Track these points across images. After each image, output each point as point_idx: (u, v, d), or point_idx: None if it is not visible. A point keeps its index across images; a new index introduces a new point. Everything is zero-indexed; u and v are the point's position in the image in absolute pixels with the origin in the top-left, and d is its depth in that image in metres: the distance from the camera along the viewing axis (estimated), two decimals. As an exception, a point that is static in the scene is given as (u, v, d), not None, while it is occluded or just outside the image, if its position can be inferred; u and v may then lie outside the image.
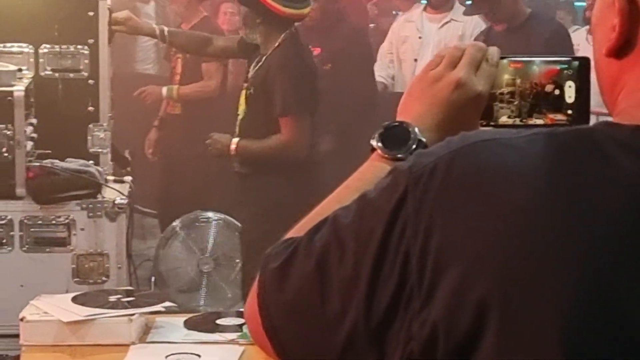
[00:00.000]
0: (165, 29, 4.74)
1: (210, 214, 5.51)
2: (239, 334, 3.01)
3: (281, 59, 4.32)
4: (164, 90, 6.19)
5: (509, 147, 1.03)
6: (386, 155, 1.25)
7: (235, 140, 4.41)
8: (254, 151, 4.39)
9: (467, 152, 1.03)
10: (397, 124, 1.27)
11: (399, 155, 1.24)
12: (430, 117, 1.27)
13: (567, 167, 1.00)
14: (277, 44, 4.34)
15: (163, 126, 6.42)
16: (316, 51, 5.40)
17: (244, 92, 4.46)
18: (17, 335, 3.01)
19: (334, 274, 1.06)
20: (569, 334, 0.94)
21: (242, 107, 4.45)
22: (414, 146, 1.24)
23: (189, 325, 3.10)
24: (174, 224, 5.56)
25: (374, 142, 1.27)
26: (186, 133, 6.05)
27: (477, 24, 6.07)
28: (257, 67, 4.39)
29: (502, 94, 1.28)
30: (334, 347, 1.06)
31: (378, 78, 6.06)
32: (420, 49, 6.16)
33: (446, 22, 6.14)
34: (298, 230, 1.17)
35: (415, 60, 6.17)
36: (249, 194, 4.49)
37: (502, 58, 1.29)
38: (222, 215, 5.41)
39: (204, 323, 3.13)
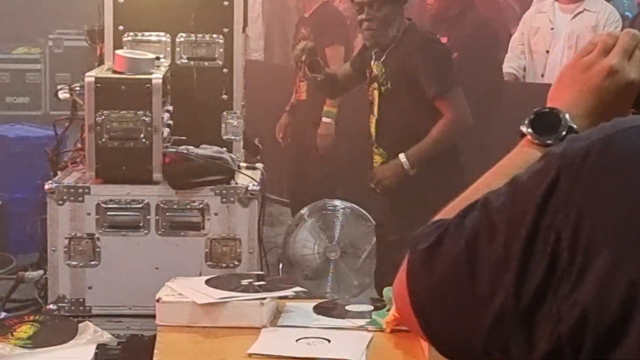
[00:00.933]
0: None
1: (337, 202, 5.54)
2: (368, 320, 3.03)
3: (417, 44, 4.22)
4: (325, 119, 6.07)
5: None
6: (536, 142, 1.25)
7: (403, 156, 4.21)
8: (427, 150, 4.21)
9: (621, 137, 1.03)
10: (547, 110, 1.27)
11: (549, 142, 1.23)
12: (581, 104, 1.26)
13: None
14: (398, 32, 4.25)
15: (294, 112, 6.48)
16: (443, 40, 5.39)
17: (375, 91, 4.33)
18: (152, 316, 3.09)
19: (483, 256, 1.07)
20: None
21: (376, 108, 4.32)
22: (564, 133, 1.24)
23: (319, 310, 3.14)
24: (302, 211, 5.61)
25: (523, 128, 1.27)
26: (316, 119, 6.10)
27: (611, 13, 5.95)
28: (382, 60, 4.27)
29: None
30: (481, 328, 1.07)
31: (509, 69, 6.01)
32: (552, 40, 6.07)
33: (579, 13, 6.03)
34: (447, 212, 1.18)
35: (547, 51, 6.09)
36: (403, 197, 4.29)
37: None
38: (350, 204, 5.44)
39: (334, 309, 3.17)
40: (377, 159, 4.36)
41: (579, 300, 1.00)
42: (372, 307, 3.11)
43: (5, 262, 6.08)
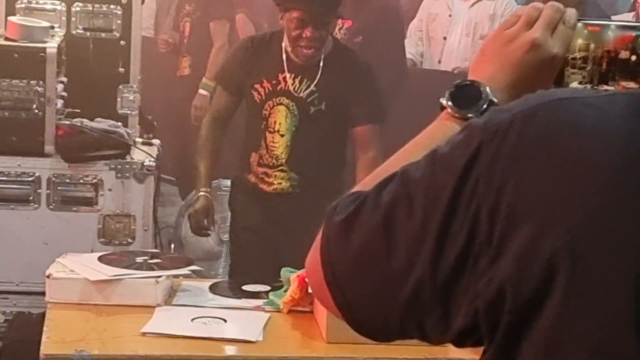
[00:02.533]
0: None
1: (227, 182, 5.47)
2: (265, 300, 3.00)
3: (349, 65, 3.90)
4: (202, 91, 6.06)
5: (588, 105, 1.01)
6: (456, 115, 1.22)
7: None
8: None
9: (545, 109, 1.01)
10: (468, 82, 1.24)
11: (469, 115, 1.21)
12: (502, 78, 1.23)
13: None
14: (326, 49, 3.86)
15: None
16: (347, 23, 5.36)
17: (281, 107, 3.86)
18: (41, 293, 3.02)
19: (401, 229, 1.04)
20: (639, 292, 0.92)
21: (282, 126, 3.85)
22: (484, 106, 1.21)
23: (215, 290, 3.09)
24: (194, 192, 5.53)
25: (443, 101, 1.24)
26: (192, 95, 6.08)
27: (508, 3, 6.01)
28: (315, 81, 3.83)
29: (574, 59, 1.25)
30: (399, 302, 1.04)
31: (407, 55, 6.02)
32: (450, 26, 6.11)
33: (477, 1, 6.09)
34: (365, 184, 1.14)
35: (445, 38, 6.12)
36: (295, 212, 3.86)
37: (580, 20, 1.26)
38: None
39: (230, 289, 3.13)
40: (283, 184, 3.87)
41: (496, 275, 0.98)
42: (269, 288, 3.08)
43: None
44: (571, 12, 1.25)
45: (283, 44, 3.86)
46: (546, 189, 0.97)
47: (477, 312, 0.99)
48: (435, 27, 6.20)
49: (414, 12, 6.38)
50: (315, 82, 3.83)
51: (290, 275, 2.92)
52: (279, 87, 3.86)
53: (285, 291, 2.95)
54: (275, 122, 3.86)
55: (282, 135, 3.86)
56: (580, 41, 1.25)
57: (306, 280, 2.70)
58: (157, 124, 5.42)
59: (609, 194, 0.96)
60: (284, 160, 3.86)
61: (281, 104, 3.86)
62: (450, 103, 1.24)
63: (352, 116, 3.86)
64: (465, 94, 1.23)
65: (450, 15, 6.14)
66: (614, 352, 0.93)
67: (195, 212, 3.98)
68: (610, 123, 0.99)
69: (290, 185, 3.87)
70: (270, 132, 3.86)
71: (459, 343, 1.05)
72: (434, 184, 1.03)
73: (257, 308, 2.97)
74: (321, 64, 3.85)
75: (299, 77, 3.84)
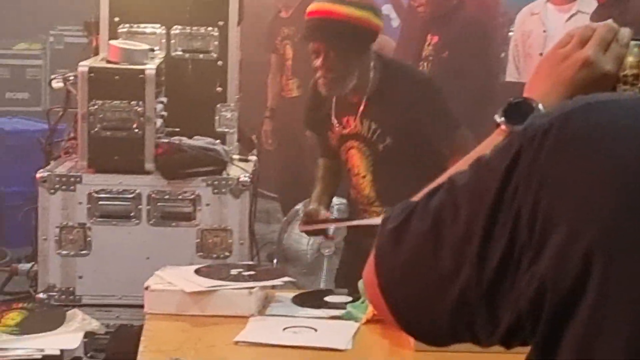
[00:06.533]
0: None
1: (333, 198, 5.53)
2: (344, 311, 3.03)
3: (407, 86, 3.65)
4: None
5: (621, 107, 1.05)
6: (509, 130, 1.27)
7: None
8: None
9: (579, 112, 1.05)
10: (521, 100, 1.28)
11: None
12: (555, 95, 1.27)
13: None
14: (369, 76, 3.64)
15: (273, 115, 6.54)
16: (434, 39, 5.40)
17: (355, 151, 3.73)
18: (142, 306, 3.09)
19: (447, 233, 1.08)
20: None
21: (363, 169, 3.73)
22: None
23: (297, 301, 3.14)
24: (297, 207, 5.61)
25: (497, 117, 1.28)
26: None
27: (608, 16, 5.93)
28: (367, 113, 3.65)
29: (625, 75, 1.28)
30: (448, 304, 1.08)
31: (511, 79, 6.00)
32: (546, 42, 6.05)
33: (573, 15, 6.01)
34: (418, 198, 1.19)
35: (541, 54, 6.06)
36: None
37: (633, 39, 1.28)
38: (343, 200, 5.43)
39: (313, 299, 3.17)
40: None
41: (536, 274, 1.01)
42: (350, 299, 3.12)
43: (0, 255, 6.10)
44: (624, 31, 1.28)
45: None
46: (580, 189, 1.00)
47: (520, 312, 1.02)
48: (531, 44, 6.15)
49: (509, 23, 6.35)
50: (369, 116, 3.64)
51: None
52: (345, 131, 3.73)
53: (362, 302, 2.99)
54: (354, 166, 3.75)
55: (364, 177, 3.74)
56: (631, 59, 1.27)
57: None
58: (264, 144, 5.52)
59: (638, 191, 0.98)
60: (374, 199, 3.76)
61: (352, 147, 3.73)
62: (503, 119, 1.28)
63: (428, 137, 3.66)
64: (519, 111, 1.27)
65: (544, 31, 6.09)
66: None
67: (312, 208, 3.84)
68: None
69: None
70: (353, 174, 3.76)
71: (507, 344, 1.08)
72: (478, 188, 1.08)
73: (333, 318, 2.99)
74: (364, 99, 3.64)
75: (355, 116, 3.67)
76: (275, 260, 5.60)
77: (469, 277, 1.06)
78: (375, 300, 1.16)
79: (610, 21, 1.31)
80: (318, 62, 3.63)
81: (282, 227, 5.85)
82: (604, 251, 0.97)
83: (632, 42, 1.28)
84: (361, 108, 3.66)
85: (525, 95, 1.30)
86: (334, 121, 3.74)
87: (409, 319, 1.14)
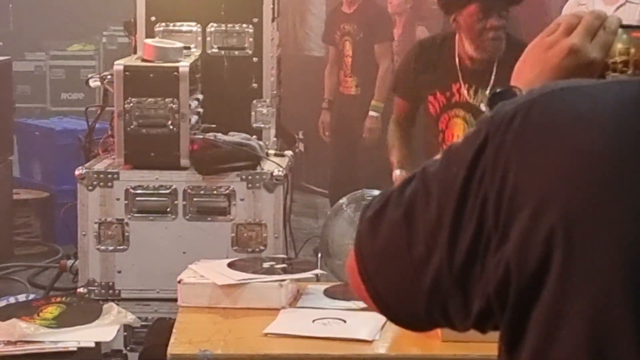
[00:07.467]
0: None
1: (376, 192, 5.53)
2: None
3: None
4: (373, 113, 6.18)
5: (583, 94, 1.07)
6: None
7: None
8: None
9: (543, 99, 1.07)
10: (506, 89, 1.29)
11: None
12: (541, 83, 1.26)
13: (637, 112, 1.03)
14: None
15: (332, 107, 6.55)
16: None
17: (459, 120, 3.71)
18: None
19: (420, 220, 1.11)
20: (631, 270, 0.97)
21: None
22: None
23: (328, 293, 3.17)
24: (341, 201, 5.63)
25: (483, 107, 1.30)
26: (362, 115, 6.18)
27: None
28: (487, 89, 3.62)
29: (615, 63, 1.27)
30: (422, 290, 1.11)
31: None
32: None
33: (622, 4, 5.93)
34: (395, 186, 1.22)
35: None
36: None
37: (621, 27, 1.28)
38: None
39: (343, 292, 3.19)
40: None
41: (502, 258, 1.03)
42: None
43: (52, 252, 6.21)
44: (612, 19, 1.28)
45: (456, 50, 3.71)
46: (542, 173, 1.03)
47: (489, 296, 1.05)
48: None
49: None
50: (489, 90, 3.59)
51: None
52: (453, 100, 3.70)
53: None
54: (453, 136, 3.71)
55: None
56: (620, 45, 1.27)
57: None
58: (312, 140, 5.48)
59: (600, 177, 1.01)
60: None
61: (457, 116, 3.70)
62: (488, 108, 1.30)
63: None
64: (504, 99, 1.29)
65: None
66: (608, 324, 0.98)
67: None
68: (602, 110, 1.04)
69: None
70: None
71: (480, 329, 1.10)
72: (447, 175, 1.10)
73: (363, 309, 3.00)
74: (494, 67, 3.62)
75: (474, 87, 3.67)
76: (319, 255, 5.62)
77: (441, 263, 1.08)
78: (357, 287, 1.19)
79: (598, 9, 1.32)
80: (492, 21, 3.57)
81: (325, 221, 5.87)
82: (566, 232, 0.99)
83: (621, 29, 1.28)
84: (492, 77, 3.61)
85: (512, 83, 1.31)
86: (437, 92, 3.72)
87: (388, 305, 1.17)
